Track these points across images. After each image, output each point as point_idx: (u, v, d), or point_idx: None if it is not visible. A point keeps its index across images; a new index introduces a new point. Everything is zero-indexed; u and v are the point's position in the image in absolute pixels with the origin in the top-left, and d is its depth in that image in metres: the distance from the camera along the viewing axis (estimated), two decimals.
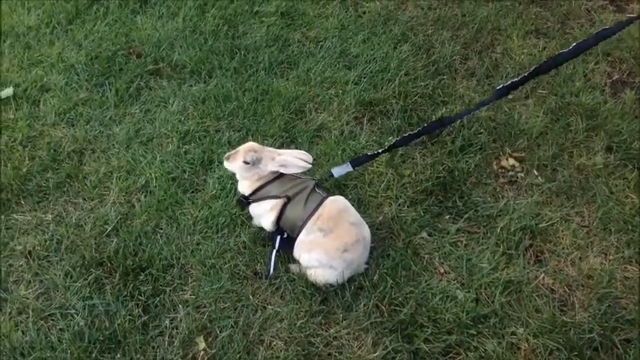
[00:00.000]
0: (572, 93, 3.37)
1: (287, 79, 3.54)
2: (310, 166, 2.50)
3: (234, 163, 2.51)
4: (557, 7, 4.07)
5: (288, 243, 2.51)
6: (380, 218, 2.77)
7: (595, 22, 3.93)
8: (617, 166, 2.99)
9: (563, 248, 2.66)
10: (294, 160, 2.48)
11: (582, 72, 3.51)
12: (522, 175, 2.98)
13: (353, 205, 2.53)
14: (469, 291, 2.47)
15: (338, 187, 2.89)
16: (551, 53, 3.68)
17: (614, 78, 3.52)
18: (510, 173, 2.99)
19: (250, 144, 2.52)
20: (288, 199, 2.48)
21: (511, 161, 3.04)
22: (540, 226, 2.72)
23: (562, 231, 2.72)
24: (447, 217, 2.80)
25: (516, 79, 2.26)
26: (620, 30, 2.15)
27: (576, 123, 3.19)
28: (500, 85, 2.31)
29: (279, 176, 2.53)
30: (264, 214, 2.52)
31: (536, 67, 2.22)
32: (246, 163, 2.46)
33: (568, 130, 3.17)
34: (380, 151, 2.63)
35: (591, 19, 3.97)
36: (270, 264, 2.50)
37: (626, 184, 2.91)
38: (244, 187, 2.57)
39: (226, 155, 2.53)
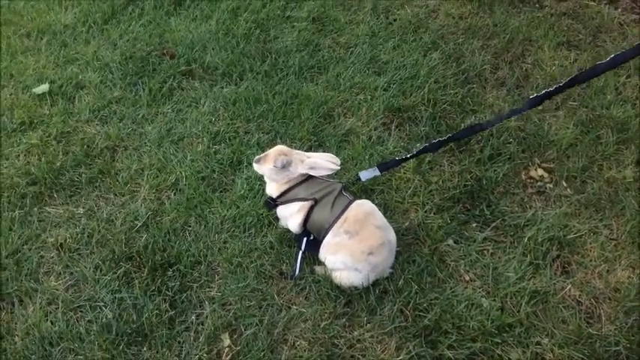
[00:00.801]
0: (603, 105, 3.35)
1: (317, 83, 3.57)
2: (338, 168, 2.52)
3: (264, 166, 2.53)
4: (590, 20, 4.05)
5: (314, 245, 2.52)
6: (406, 224, 2.77)
7: (627, 35, 3.90)
8: None
9: (590, 260, 2.63)
10: (324, 162, 2.51)
11: (614, 85, 3.48)
12: (551, 186, 2.96)
13: (379, 209, 2.53)
14: (494, 299, 2.46)
15: (365, 191, 2.90)
16: (583, 65, 3.66)
17: None
18: (539, 184, 2.97)
19: (280, 147, 2.54)
20: (316, 202, 2.50)
21: (540, 172, 3.02)
22: (568, 237, 2.70)
23: (590, 243, 2.69)
24: (474, 225, 2.79)
25: (551, 89, 2.24)
26: None
27: (607, 136, 3.16)
28: (534, 95, 2.30)
29: (306, 179, 2.55)
30: (291, 216, 2.55)
31: (572, 77, 2.19)
32: (276, 166, 2.49)
33: (598, 142, 3.15)
34: (408, 156, 2.63)
35: (623, 33, 3.93)
36: (295, 265, 2.53)
37: None
38: (272, 189, 2.60)
39: (256, 158, 2.56)
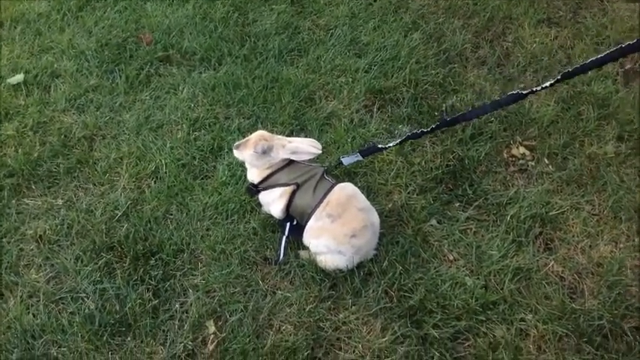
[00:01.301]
0: (583, 82, 3.35)
1: (297, 66, 3.53)
2: (320, 152, 2.50)
3: (244, 152, 2.50)
4: None
5: (298, 230, 2.51)
6: (389, 206, 2.76)
7: (607, 11, 3.89)
8: (629, 155, 2.97)
9: (573, 236, 2.65)
10: (305, 146, 2.48)
11: None
12: (533, 163, 2.97)
13: (362, 192, 2.52)
14: (478, 278, 2.47)
15: (347, 174, 2.88)
16: (563, 43, 3.65)
17: (626, 67, 3.47)
18: (521, 162, 2.98)
19: (260, 132, 2.51)
20: (298, 187, 2.48)
21: (521, 150, 3.02)
22: (550, 214, 2.71)
23: (572, 219, 2.71)
24: (457, 204, 2.79)
25: (537, 88, 2.20)
26: None
27: (588, 112, 3.17)
28: (517, 91, 2.25)
29: (288, 164, 2.53)
30: (273, 202, 2.52)
31: (557, 78, 2.16)
32: (257, 152, 2.45)
33: (579, 118, 3.15)
34: (390, 145, 2.58)
35: (604, 9, 3.92)
36: (279, 250, 2.51)
37: (637, 172, 2.89)
38: (254, 175, 2.57)
39: (236, 144, 2.52)
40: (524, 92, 2.23)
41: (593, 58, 2.06)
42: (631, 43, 2.00)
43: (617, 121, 3.12)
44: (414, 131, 2.55)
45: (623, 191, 2.79)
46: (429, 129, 2.50)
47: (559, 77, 2.14)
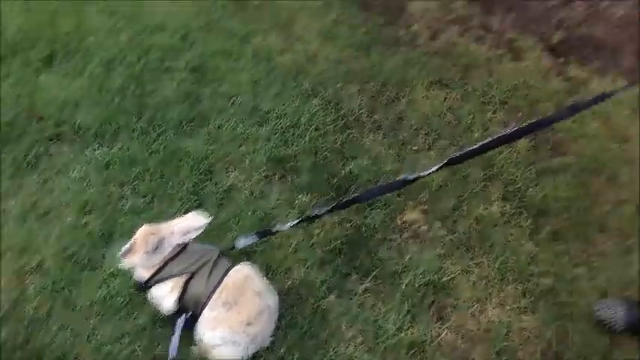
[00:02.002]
0: (471, 144, 3.50)
1: (197, 137, 3.51)
2: (209, 220, 2.45)
3: (134, 257, 2.35)
4: (459, 58, 4.24)
5: (193, 322, 2.43)
6: (289, 283, 2.76)
7: (493, 72, 4.11)
8: (513, 215, 3.13)
9: (464, 302, 2.74)
10: (192, 223, 2.44)
11: (481, 122, 3.68)
12: (425, 228, 3.07)
13: (261, 270, 2.50)
14: (374, 355, 2.49)
15: (245, 253, 2.85)
16: (452, 104, 3.83)
17: (510, 127, 3.69)
18: (414, 227, 3.07)
19: (144, 228, 2.39)
20: (192, 275, 2.41)
21: (414, 215, 3.12)
22: (443, 280, 2.80)
23: (463, 284, 2.81)
24: (354, 277, 2.83)
25: (424, 173, 2.28)
26: (595, 103, 2.18)
27: (474, 174, 3.32)
28: (405, 176, 2.34)
29: (181, 250, 2.46)
30: (165, 296, 2.42)
31: (444, 162, 2.24)
32: (148, 251, 2.34)
33: (466, 181, 3.30)
34: (285, 227, 2.49)
35: (489, 69, 4.15)
36: (169, 347, 2.39)
37: (521, 231, 3.05)
38: (143, 274, 2.42)
39: (123, 251, 2.34)
40: (411, 177, 2.32)
41: (478, 145, 2.19)
42: (509, 131, 2.15)
43: (502, 181, 3.29)
44: (308, 214, 2.57)
45: (508, 252, 2.93)
46: (323, 212, 2.49)
47: (445, 161, 2.26)
